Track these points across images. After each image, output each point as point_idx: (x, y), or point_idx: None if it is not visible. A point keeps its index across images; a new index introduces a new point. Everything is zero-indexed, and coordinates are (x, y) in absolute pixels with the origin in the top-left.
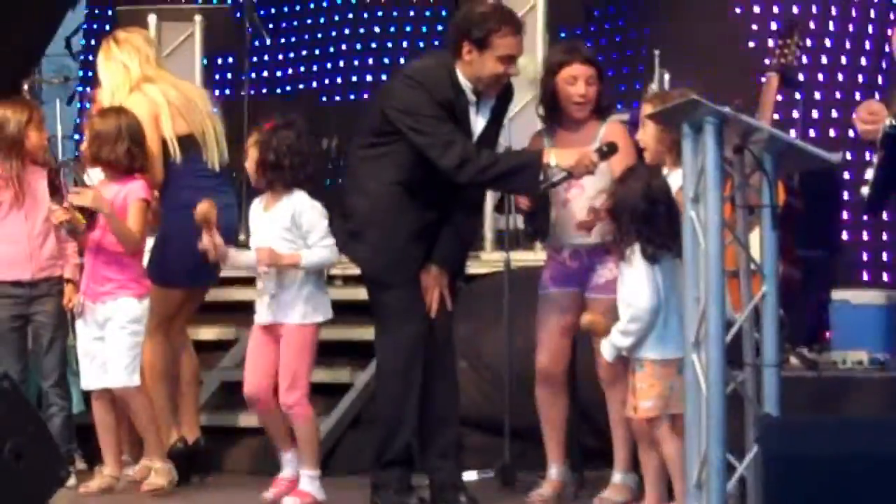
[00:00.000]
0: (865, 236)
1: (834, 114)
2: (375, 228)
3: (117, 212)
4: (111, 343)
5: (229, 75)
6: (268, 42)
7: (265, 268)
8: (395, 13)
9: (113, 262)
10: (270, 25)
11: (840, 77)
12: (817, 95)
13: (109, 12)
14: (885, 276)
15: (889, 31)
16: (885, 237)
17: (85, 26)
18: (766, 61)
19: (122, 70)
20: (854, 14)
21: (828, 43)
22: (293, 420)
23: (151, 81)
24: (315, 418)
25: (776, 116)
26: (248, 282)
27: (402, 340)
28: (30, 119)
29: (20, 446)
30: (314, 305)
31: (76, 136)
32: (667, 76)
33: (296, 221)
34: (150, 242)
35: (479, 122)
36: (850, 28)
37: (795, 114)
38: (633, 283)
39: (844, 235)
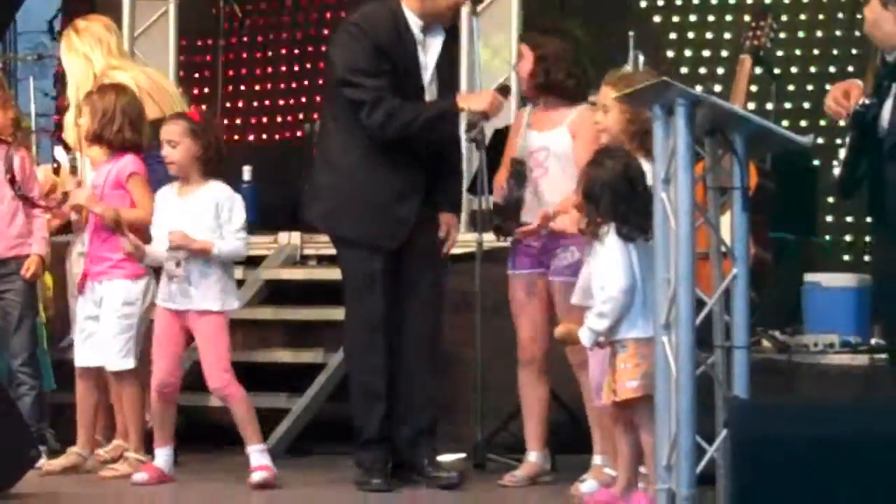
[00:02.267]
0: (848, 219)
1: (806, 104)
2: (353, 202)
3: (110, 188)
4: (104, 323)
5: (208, 57)
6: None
7: (176, 252)
8: None
9: (109, 241)
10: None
11: (812, 69)
12: (791, 87)
13: None
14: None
15: (858, 16)
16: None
17: (63, 8)
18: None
19: (83, 62)
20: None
21: (801, 34)
22: (228, 403)
23: (118, 69)
24: (247, 397)
25: (751, 106)
26: None
27: (368, 315)
28: None
29: None
30: (227, 293)
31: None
32: (641, 58)
33: (218, 210)
34: None
35: (428, 60)
36: (820, 17)
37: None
38: (607, 263)
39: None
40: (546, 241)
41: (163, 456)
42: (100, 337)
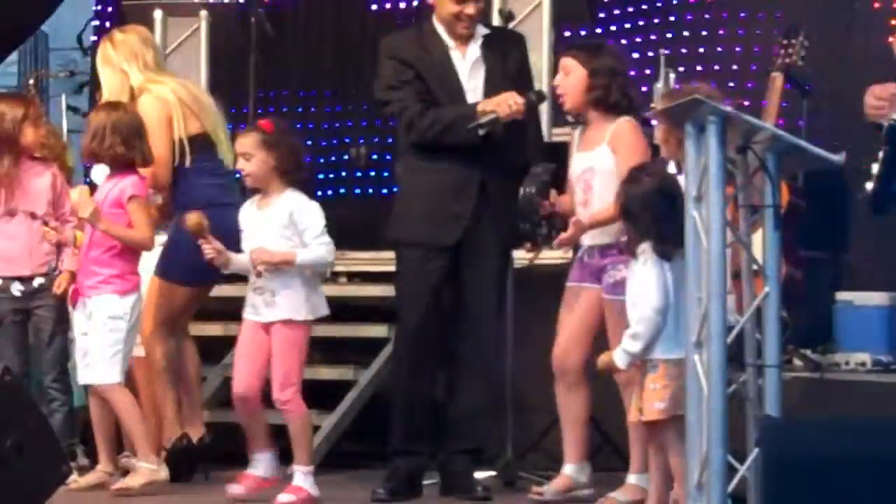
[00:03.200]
0: (881, 236)
1: (838, 121)
2: (408, 206)
3: (109, 206)
4: (92, 338)
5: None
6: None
7: (262, 267)
8: None
9: (101, 257)
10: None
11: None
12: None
13: (109, 8)
14: None
15: (890, 39)
16: None
17: (95, 22)
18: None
19: (119, 76)
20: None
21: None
22: (287, 417)
23: (157, 83)
24: (308, 415)
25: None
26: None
27: (421, 322)
28: (25, 115)
29: (21, 441)
30: (308, 303)
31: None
32: (672, 76)
33: (293, 220)
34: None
35: (466, 63)
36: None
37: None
38: (642, 282)
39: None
40: (601, 258)
41: (262, 461)
42: (88, 351)
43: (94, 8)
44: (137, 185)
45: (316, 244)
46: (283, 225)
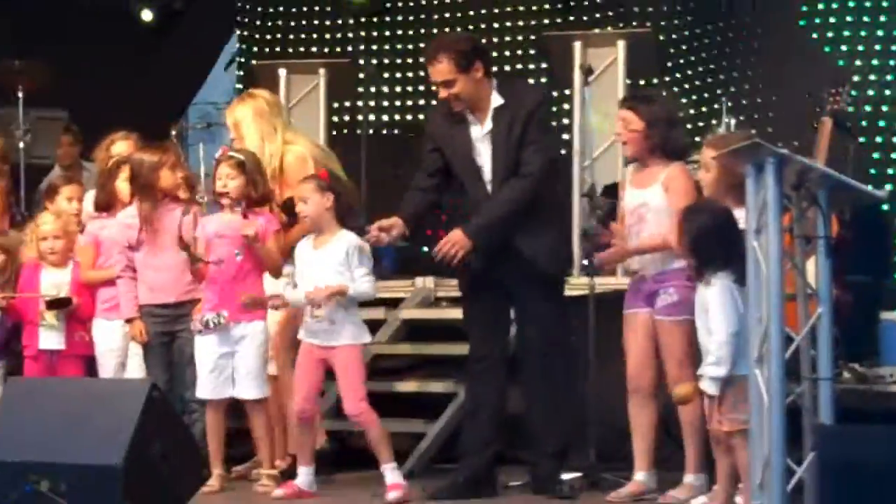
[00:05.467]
0: None
1: (876, 154)
2: None
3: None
4: (244, 359)
5: (346, 117)
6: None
7: (320, 306)
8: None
9: (250, 288)
10: (385, 75)
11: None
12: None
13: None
14: None
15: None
16: None
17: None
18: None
19: (272, 130)
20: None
21: (870, 92)
22: (364, 427)
23: (293, 143)
24: (379, 421)
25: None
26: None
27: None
28: (161, 162)
29: (167, 448)
30: (359, 328)
31: None
32: (733, 121)
33: (348, 257)
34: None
35: (479, 137)
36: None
37: None
38: (717, 309)
39: None
40: (651, 284)
41: (304, 475)
42: (238, 370)
43: (236, 72)
44: (275, 220)
45: (363, 281)
46: (339, 262)
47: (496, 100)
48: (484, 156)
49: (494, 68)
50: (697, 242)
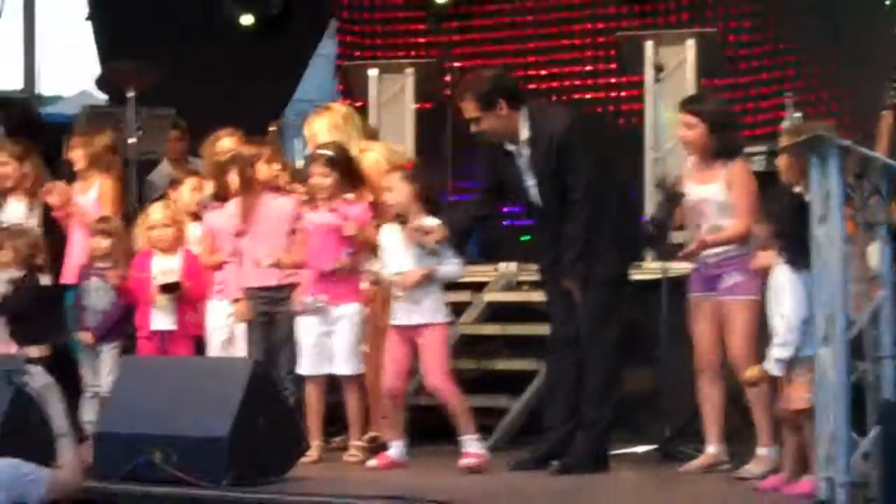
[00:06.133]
0: None
1: None
2: None
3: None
4: (341, 337)
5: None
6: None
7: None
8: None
9: (347, 271)
10: None
11: None
12: None
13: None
14: None
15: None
16: None
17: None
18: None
19: (346, 140)
20: None
21: None
22: (445, 399)
23: (368, 150)
24: (459, 394)
25: None
26: None
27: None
28: (258, 155)
29: (269, 422)
30: (442, 307)
31: None
32: (797, 115)
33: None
34: None
35: (521, 159)
36: None
37: None
38: (789, 293)
39: None
40: (714, 268)
41: (395, 448)
42: (335, 349)
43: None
44: (367, 210)
45: (452, 263)
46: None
47: (524, 132)
48: (529, 181)
49: (567, 69)
50: (784, 226)
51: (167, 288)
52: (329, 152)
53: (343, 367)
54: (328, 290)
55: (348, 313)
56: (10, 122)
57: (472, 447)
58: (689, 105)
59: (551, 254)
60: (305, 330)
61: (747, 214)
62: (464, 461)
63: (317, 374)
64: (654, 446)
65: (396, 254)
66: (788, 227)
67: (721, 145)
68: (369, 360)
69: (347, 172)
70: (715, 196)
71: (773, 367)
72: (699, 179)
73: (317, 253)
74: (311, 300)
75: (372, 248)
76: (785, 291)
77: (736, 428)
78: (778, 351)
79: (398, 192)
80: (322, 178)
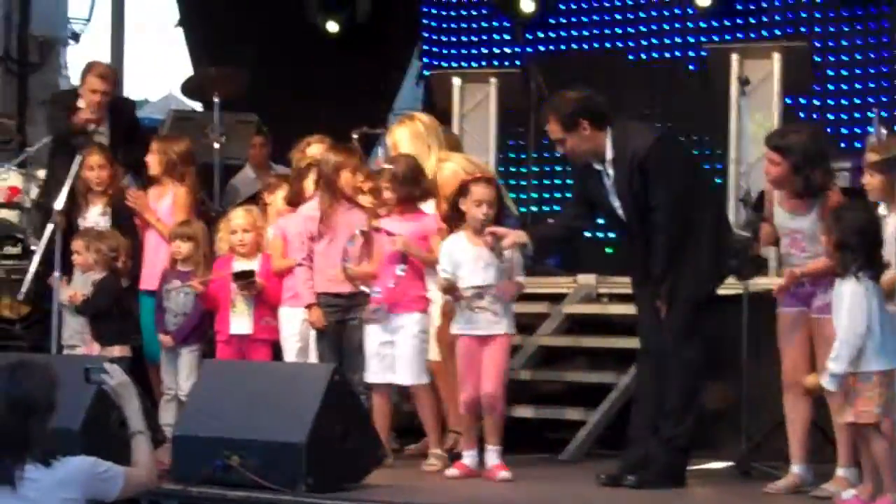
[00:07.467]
0: None
1: None
2: None
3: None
4: (401, 347)
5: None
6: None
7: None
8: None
9: (408, 282)
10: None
11: None
12: None
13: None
14: None
15: None
16: None
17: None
18: None
19: (426, 150)
20: None
21: None
22: (491, 409)
23: (447, 160)
24: (504, 411)
25: None
26: None
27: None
28: (344, 163)
29: (347, 429)
30: (513, 321)
31: None
32: (884, 131)
33: (506, 253)
34: None
35: (606, 178)
36: None
37: None
38: (845, 308)
39: None
40: (808, 287)
41: (469, 457)
42: (397, 357)
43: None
44: (436, 220)
45: (517, 276)
46: (494, 259)
47: (609, 152)
48: (615, 201)
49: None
50: (845, 240)
51: (241, 275)
52: (393, 166)
53: (404, 376)
54: (389, 300)
55: (409, 323)
56: (116, 124)
57: (500, 458)
58: (773, 141)
59: (641, 269)
60: (370, 338)
61: None
62: (502, 473)
63: (380, 382)
64: (732, 463)
65: (476, 267)
66: (853, 240)
67: (806, 184)
68: (440, 369)
69: (414, 186)
70: (808, 229)
71: (829, 384)
72: (790, 208)
73: (384, 264)
74: (373, 308)
75: (429, 262)
76: (841, 305)
77: (818, 446)
78: (832, 366)
79: (480, 200)
80: (387, 192)
